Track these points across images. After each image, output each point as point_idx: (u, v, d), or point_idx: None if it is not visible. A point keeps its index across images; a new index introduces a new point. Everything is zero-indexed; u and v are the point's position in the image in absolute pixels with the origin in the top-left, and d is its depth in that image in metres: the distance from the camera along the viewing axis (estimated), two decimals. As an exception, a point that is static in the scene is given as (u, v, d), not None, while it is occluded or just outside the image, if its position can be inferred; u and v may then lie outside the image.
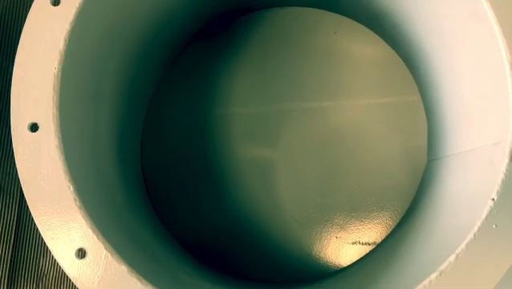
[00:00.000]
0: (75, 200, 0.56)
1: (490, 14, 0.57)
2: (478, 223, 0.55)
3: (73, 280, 0.56)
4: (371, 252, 0.87)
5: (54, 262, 0.92)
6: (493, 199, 0.56)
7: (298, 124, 0.93)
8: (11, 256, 0.91)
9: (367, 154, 0.91)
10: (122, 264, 0.56)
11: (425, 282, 0.55)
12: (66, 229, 0.56)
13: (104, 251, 0.56)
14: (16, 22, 0.95)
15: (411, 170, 0.89)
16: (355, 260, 0.88)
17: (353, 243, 0.90)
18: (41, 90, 0.57)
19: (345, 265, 0.89)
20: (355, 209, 0.90)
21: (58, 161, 0.57)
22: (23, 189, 0.57)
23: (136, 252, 0.63)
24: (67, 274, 0.56)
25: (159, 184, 0.95)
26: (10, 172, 0.92)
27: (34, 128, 0.57)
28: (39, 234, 0.92)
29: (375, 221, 0.90)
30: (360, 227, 0.90)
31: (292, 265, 0.91)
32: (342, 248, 0.90)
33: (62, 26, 0.58)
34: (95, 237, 0.56)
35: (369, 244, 0.89)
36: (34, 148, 0.57)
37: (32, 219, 0.92)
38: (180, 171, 0.95)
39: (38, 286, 0.91)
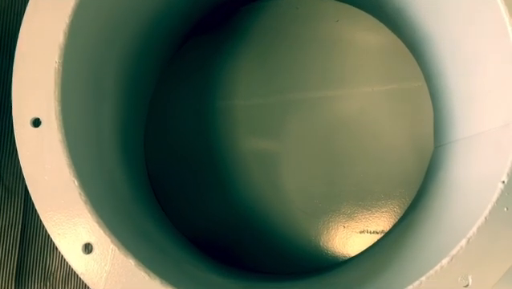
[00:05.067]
0: (80, 194, 0.56)
1: (496, -6, 0.56)
2: (489, 206, 0.55)
3: (81, 276, 0.56)
4: (379, 240, 0.87)
5: (62, 261, 0.92)
6: (503, 182, 0.55)
7: (302, 114, 0.93)
8: (18, 255, 0.91)
9: (372, 142, 0.90)
10: (129, 258, 0.55)
11: (437, 267, 0.54)
12: (72, 225, 0.56)
13: (111, 245, 0.55)
14: (15, 20, 0.95)
15: (417, 157, 0.89)
16: (363, 249, 0.88)
17: (361, 232, 0.89)
18: (42, 84, 0.57)
19: (353, 254, 0.89)
20: (362, 198, 0.90)
21: (61, 156, 0.56)
22: (28, 185, 0.56)
23: (143, 246, 0.62)
24: (75, 269, 0.56)
25: (163, 178, 0.94)
26: (14, 172, 0.92)
27: (36, 123, 0.57)
28: (46, 233, 0.92)
29: (383, 210, 0.89)
30: (368, 216, 0.89)
31: (299, 256, 0.90)
32: (350, 237, 0.89)
33: (61, 20, 0.57)
34: (102, 231, 0.55)
35: (377, 233, 0.89)
36: (37, 144, 0.56)
37: (38, 218, 0.92)
38: (184, 165, 0.94)
39: (45, 284, 0.91)
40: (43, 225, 0.91)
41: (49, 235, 0.91)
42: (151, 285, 0.55)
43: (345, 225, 0.90)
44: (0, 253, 0.90)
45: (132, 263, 0.55)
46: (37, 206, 0.56)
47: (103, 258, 0.55)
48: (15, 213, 0.91)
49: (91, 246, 0.55)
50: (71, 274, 0.92)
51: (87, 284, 0.55)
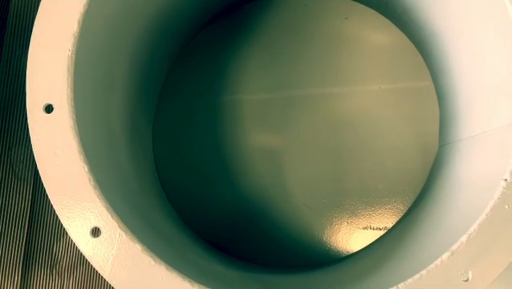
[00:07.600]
0: (90, 180, 0.57)
1: (504, -7, 0.57)
2: (491, 204, 0.55)
3: (88, 258, 0.57)
4: (382, 237, 0.87)
5: (68, 249, 0.93)
6: (505, 180, 0.55)
7: (309, 110, 0.93)
8: (25, 242, 0.92)
9: (378, 140, 0.91)
10: (136, 243, 0.56)
11: (437, 261, 0.55)
12: (81, 209, 0.57)
13: (118, 230, 0.56)
14: (28, 11, 0.96)
15: (422, 155, 0.89)
16: (366, 245, 0.88)
17: (364, 228, 0.90)
18: (55, 71, 0.58)
19: (356, 250, 0.89)
20: (366, 195, 0.90)
21: (72, 142, 0.57)
22: (39, 169, 0.58)
23: (149, 233, 0.64)
24: (83, 252, 0.57)
25: (170, 170, 0.95)
26: (24, 159, 0.94)
27: (48, 109, 0.58)
28: (53, 220, 0.94)
29: (387, 207, 0.90)
30: (371, 212, 0.90)
31: (303, 250, 0.91)
32: (353, 233, 0.90)
33: (76, 9, 0.59)
34: (110, 216, 0.57)
35: (380, 229, 0.89)
36: (49, 129, 0.58)
37: (46, 206, 0.94)
38: (190, 157, 0.95)
39: (51, 271, 0.93)
40: (51, 213, 0.94)
41: (56, 223, 0.94)
42: (156, 270, 0.56)
43: (348, 220, 0.90)
44: (8, 239, 0.91)
45: (139, 248, 0.56)
46: (47, 190, 0.58)
47: (110, 242, 0.57)
48: (24, 201, 0.93)
49: (99, 230, 0.57)
50: (76, 262, 0.93)
51: (94, 267, 0.56)
